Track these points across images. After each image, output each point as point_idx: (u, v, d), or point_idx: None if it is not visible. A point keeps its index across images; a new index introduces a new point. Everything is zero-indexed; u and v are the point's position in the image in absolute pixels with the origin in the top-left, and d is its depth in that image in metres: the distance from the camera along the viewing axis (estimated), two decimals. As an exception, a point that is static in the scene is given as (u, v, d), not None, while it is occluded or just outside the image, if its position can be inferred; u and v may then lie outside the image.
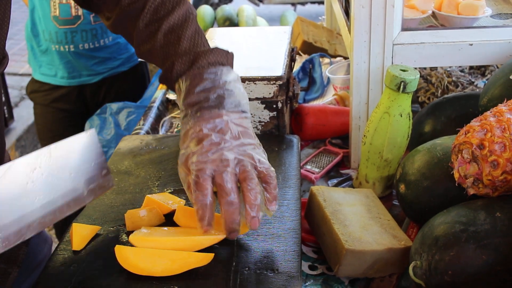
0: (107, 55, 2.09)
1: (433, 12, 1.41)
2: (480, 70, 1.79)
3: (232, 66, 0.99)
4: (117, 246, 0.88)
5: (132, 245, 0.89)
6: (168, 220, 0.97)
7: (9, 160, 1.13)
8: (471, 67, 1.80)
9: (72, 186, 0.87)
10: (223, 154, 0.87)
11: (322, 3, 5.92)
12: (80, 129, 2.27)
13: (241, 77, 1.25)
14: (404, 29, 1.25)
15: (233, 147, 0.89)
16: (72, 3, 1.91)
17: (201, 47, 0.98)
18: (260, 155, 0.91)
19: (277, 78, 1.26)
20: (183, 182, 0.91)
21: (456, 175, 0.96)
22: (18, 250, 1.13)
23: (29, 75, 2.28)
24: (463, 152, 0.94)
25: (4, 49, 0.93)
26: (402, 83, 1.14)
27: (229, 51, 0.99)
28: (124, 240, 0.94)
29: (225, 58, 0.97)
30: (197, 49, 0.97)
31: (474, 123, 0.96)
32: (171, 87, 0.99)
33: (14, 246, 1.05)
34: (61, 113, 2.24)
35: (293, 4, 6.57)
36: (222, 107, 0.91)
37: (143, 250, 0.88)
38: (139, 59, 2.22)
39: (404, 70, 1.16)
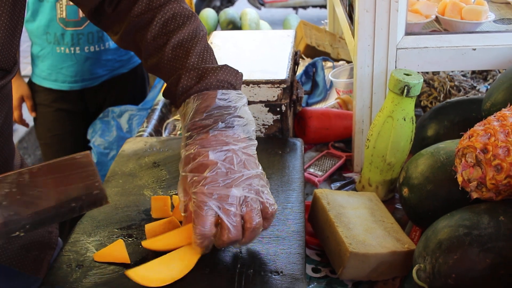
0: (109, 57, 2.09)
1: (436, 17, 1.42)
2: (482, 74, 1.79)
3: (240, 87, 0.96)
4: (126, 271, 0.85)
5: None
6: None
7: (20, 159, 1.13)
8: (473, 72, 1.80)
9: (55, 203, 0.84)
10: (229, 190, 0.84)
11: (324, 7, 5.93)
12: (79, 129, 2.27)
13: (245, 80, 1.27)
14: (407, 33, 1.26)
15: (240, 181, 0.86)
16: (80, 4, 1.91)
17: (210, 64, 0.96)
18: (266, 189, 0.88)
19: (281, 82, 1.27)
20: (180, 203, 0.89)
21: (459, 179, 0.97)
22: (49, 234, 1.14)
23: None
24: (467, 156, 0.95)
25: (15, 56, 0.93)
26: (406, 87, 1.14)
27: (239, 71, 0.96)
28: (130, 242, 0.95)
29: (234, 77, 0.94)
30: (205, 65, 0.94)
31: (478, 127, 0.96)
32: (174, 101, 0.95)
33: (44, 231, 1.07)
34: (61, 113, 2.23)
35: (295, 8, 6.57)
36: (231, 134, 0.89)
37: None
38: (140, 61, 2.22)
39: (407, 74, 1.17)
